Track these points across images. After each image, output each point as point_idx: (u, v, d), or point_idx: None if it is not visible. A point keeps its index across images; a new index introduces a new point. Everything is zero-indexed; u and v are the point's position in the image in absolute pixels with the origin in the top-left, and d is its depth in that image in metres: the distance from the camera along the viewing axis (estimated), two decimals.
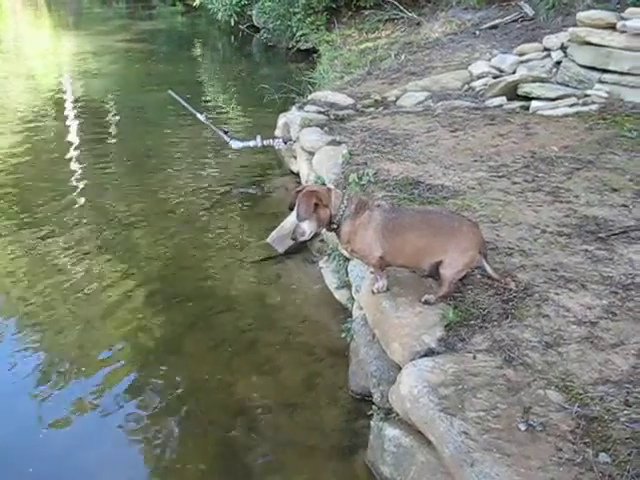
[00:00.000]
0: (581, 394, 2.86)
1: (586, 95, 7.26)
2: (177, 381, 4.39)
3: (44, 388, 4.31)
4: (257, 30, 18.04)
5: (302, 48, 15.42)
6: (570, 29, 7.78)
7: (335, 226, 3.60)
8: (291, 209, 3.65)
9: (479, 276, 3.80)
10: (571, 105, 7.11)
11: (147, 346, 4.75)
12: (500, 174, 5.42)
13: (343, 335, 4.52)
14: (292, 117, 7.71)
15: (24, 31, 22.75)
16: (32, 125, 10.28)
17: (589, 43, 7.38)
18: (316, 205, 3.48)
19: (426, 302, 3.61)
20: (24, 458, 3.75)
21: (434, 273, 3.59)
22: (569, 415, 2.75)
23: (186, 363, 4.57)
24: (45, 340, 4.82)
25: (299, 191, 3.59)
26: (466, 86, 8.54)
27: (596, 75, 7.39)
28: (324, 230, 3.77)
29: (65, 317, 5.08)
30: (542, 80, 7.73)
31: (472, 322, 3.42)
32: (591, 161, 5.59)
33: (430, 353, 3.25)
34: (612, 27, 7.19)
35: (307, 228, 3.55)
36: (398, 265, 3.70)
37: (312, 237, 3.71)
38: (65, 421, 4.03)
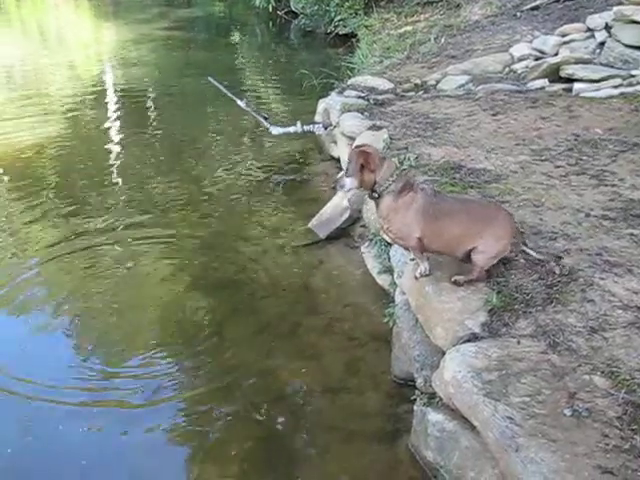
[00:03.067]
0: (628, 380, 2.83)
1: (631, 76, 7.09)
2: (219, 366, 4.44)
3: (84, 370, 4.39)
4: (295, 15, 17.98)
5: (341, 33, 15.34)
6: (615, 8, 7.57)
7: (376, 195, 3.59)
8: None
9: (522, 261, 3.76)
10: (616, 86, 6.96)
11: (189, 331, 4.81)
12: (543, 157, 5.35)
13: (385, 320, 4.54)
14: (332, 102, 7.69)
15: (65, 23, 23.05)
16: (75, 113, 10.47)
17: (635, 22, 7.20)
18: (362, 166, 3.49)
19: (455, 282, 3.60)
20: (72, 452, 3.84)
21: (467, 259, 3.58)
22: (615, 401, 2.73)
23: (228, 348, 4.62)
24: (82, 325, 4.91)
25: (357, 147, 3.62)
26: (507, 69, 8.40)
27: None
28: (364, 206, 3.75)
29: (103, 303, 5.15)
30: (585, 61, 7.57)
31: (516, 307, 3.39)
32: (637, 143, 5.47)
33: (473, 338, 3.24)
34: None
35: (349, 183, 3.55)
36: (432, 251, 3.69)
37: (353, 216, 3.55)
38: (103, 405, 4.08)
